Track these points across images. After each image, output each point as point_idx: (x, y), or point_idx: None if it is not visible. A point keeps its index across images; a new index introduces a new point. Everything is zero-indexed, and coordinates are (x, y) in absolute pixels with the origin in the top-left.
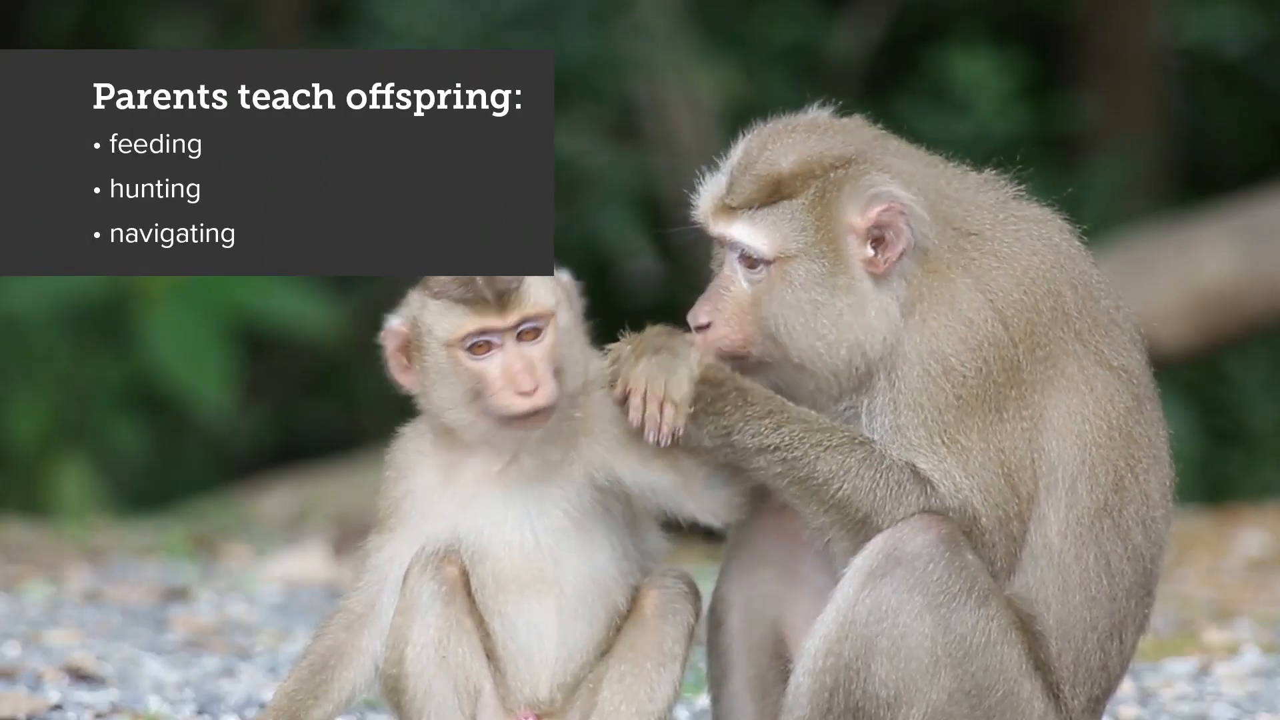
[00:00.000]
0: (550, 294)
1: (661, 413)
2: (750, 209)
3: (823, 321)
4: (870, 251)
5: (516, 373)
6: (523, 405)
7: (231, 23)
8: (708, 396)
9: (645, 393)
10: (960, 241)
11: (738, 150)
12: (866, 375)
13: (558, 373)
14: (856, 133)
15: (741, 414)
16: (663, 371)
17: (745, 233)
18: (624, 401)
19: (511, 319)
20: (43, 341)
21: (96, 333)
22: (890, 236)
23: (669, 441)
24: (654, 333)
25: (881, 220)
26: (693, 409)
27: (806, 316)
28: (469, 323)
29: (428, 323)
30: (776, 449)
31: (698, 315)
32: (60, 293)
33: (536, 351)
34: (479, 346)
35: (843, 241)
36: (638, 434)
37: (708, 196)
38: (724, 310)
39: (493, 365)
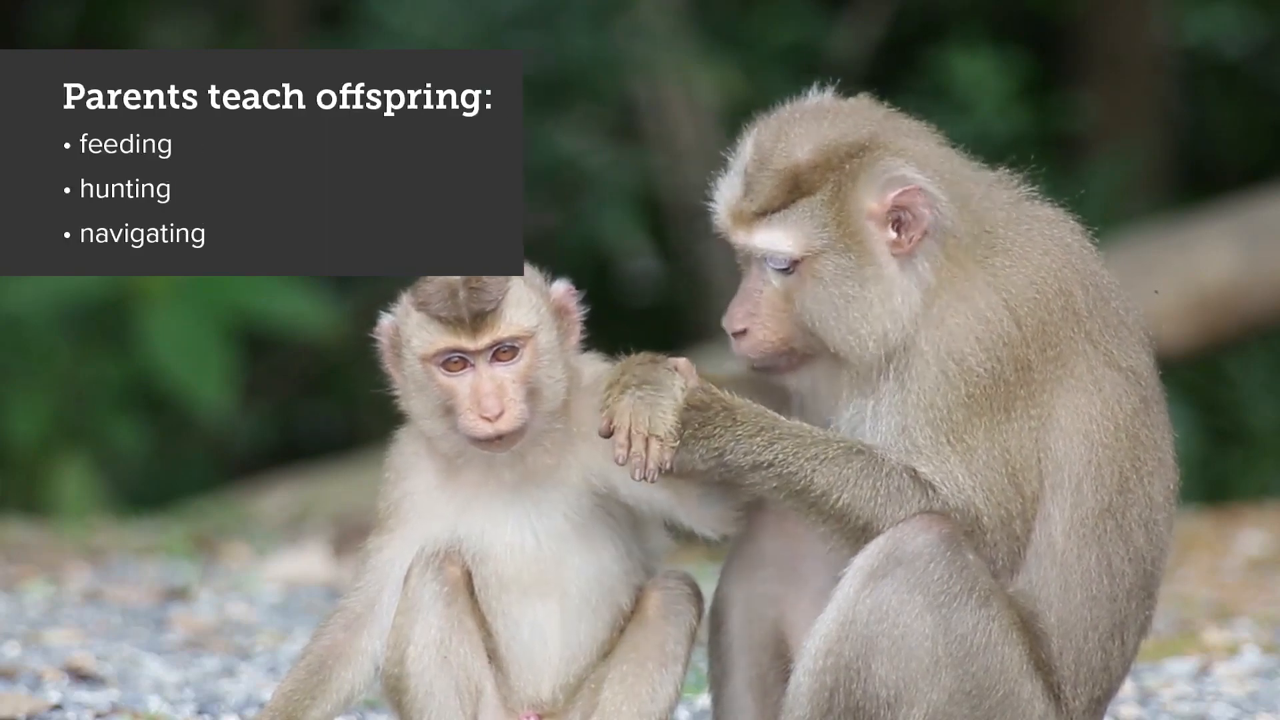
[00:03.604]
0: (530, 315)
1: (647, 449)
2: (769, 213)
3: (854, 315)
4: (893, 234)
5: (483, 395)
6: (485, 430)
7: (231, 23)
8: (696, 421)
9: (630, 429)
10: (976, 232)
11: (748, 146)
12: (886, 363)
13: (533, 393)
14: (866, 114)
15: (731, 434)
16: (646, 406)
17: (768, 240)
18: (610, 436)
19: (484, 341)
20: (43, 341)
21: (96, 333)
22: (909, 218)
23: (655, 478)
24: (637, 363)
25: (900, 203)
26: (683, 435)
27: (840, 310)
28: (441, 340)
29: (406, 333)
30: (770, 465)
31: (733, 322)
32: (60, 293)
33: (509, 374)
34: (453, 363)
35: (864, 230)
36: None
37: (725, 204)
38: (759, 314)
39: (463, 384)
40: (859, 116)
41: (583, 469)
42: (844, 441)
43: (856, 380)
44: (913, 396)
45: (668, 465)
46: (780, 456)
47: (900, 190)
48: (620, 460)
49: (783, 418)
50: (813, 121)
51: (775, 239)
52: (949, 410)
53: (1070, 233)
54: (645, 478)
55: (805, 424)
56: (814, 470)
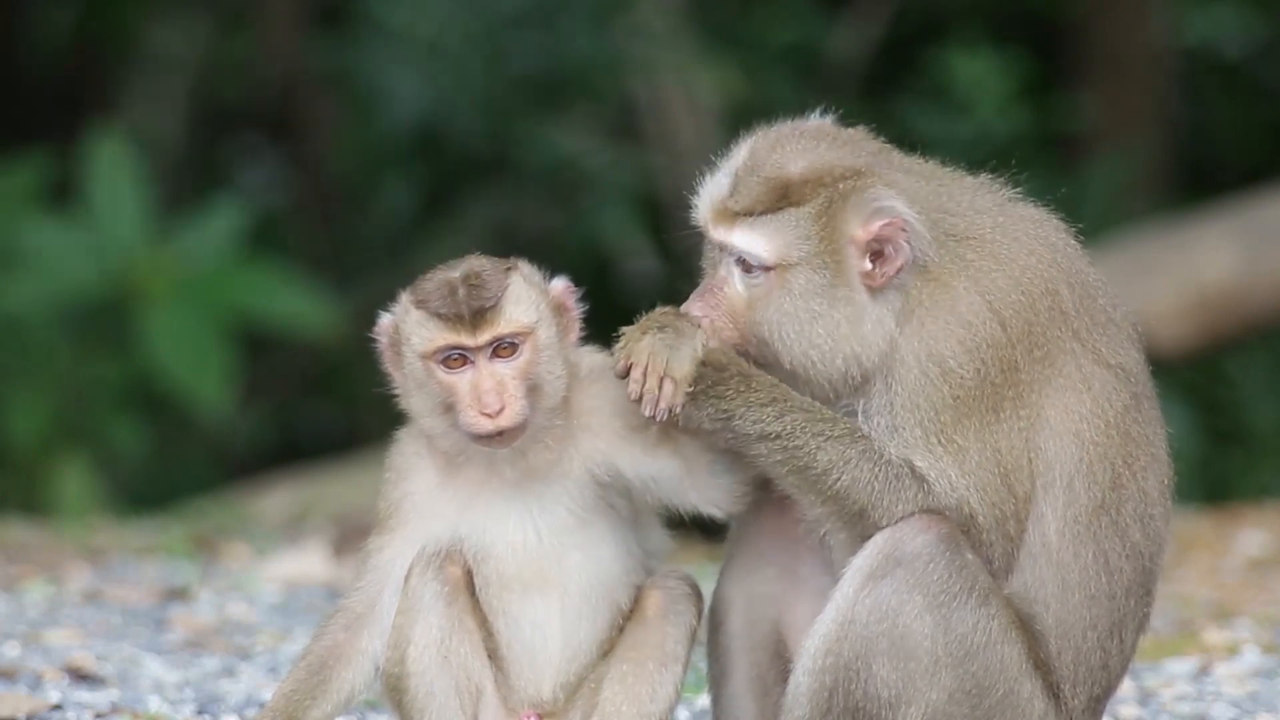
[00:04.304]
0: (530, 311)
1: (661, 388)
2: (753, 214)
3: (818, 331)
4: (868, 265)
5: (484, 392)
6: (486, 426)
7: (231, 23)
8: (710, 379)
9: (646, 367)
10: (959, 249)
11: (742, 151)
12: (861, 383)
13: (533, 390)
14: (863, 144)
15: (744, 399)
16: (666, 348)
17: (747, 239)
18: (626, 375)
19: (484, 338)
20: (43, 341)
21: (96, 333)
22: (889, 252)
23: (665, 418)
24: (662, 312)
25: (882, 235)
26: (694, 389)
27: (803, 325)
28: (440, 337)
29: (406, 330)
30: (777, 436)
31: (690, 311)
32: (60, 293)
33: (509, 370)
34: (453, 360)
35: (844, 253)
36: (637, 409)
37: (708, 199)
38: (716, 311)
39: (463, 381)
40: (857, 145)
41: (585, 460)
42: (851, 424)
43: (811, 397)
44: (899, 399)
45: (679, 408)
46: (788, 429)
47: (885, 222)
48: (634, 396)
49: (795, 393)
50: (811, 140)
51: (754, 240)
52: (935, 412)
53: (1055, 231)
54: (654, 415)
55: (816, 402)
56: (818, 447)
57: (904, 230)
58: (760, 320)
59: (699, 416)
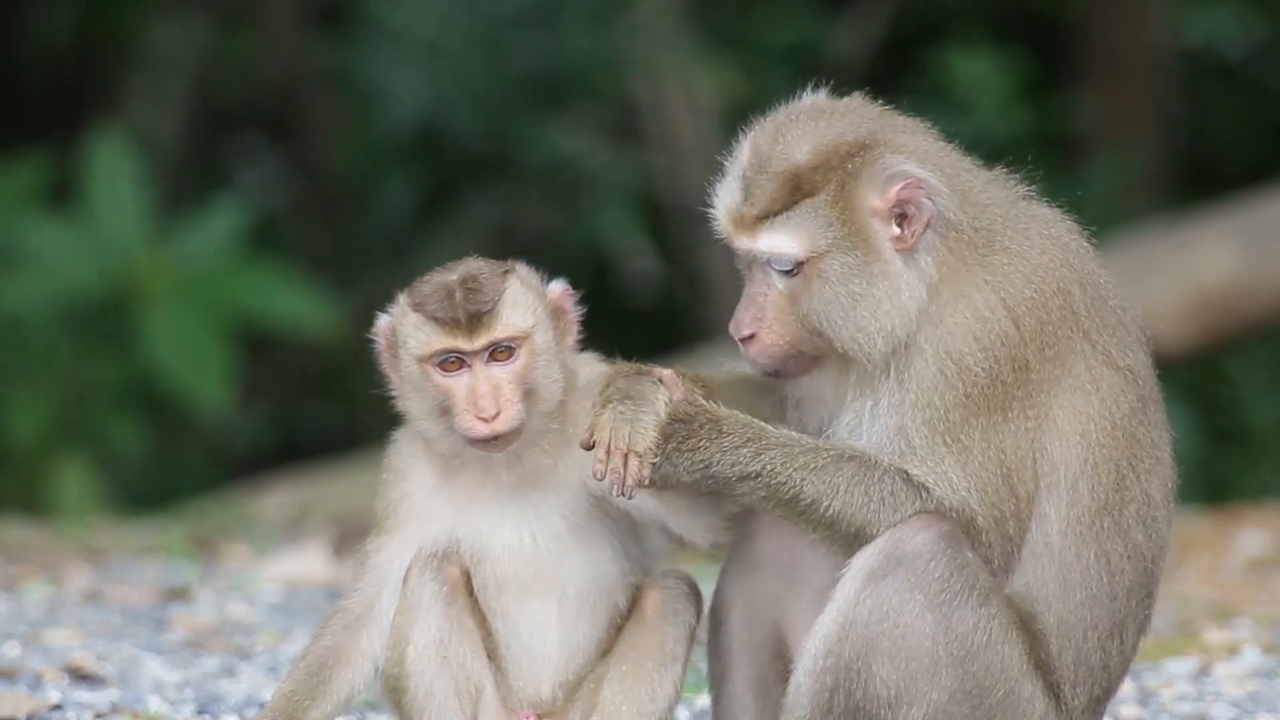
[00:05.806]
0: (526, 315)
1: (625, 465)
2: (771, 216)
3: (862, 313)
4: (896, 229)
5: (480, 396)
6: (482, 430)
7: (231, 22)
8: (680, 434)
9: (609, 444)
10: (976, 225)
11: (745, 149)
12: (896, 357)
13: (530, 394)
14: (863, 113)
15: (717, 446)
16: (626, 422)
17: (771, 243)
18: (591, 449)
19: (480, 342)
20: (43, 341)
21: (96, 333)
22: (913, 211)
23: (632, 494)
24: (622, 374)
25: (902, 197)
26: (666, 448)
27: (847, 309)
28: (437, 341)
29: (403, 333)
30: (758, 476)
31: (740, 327)
32: (60, 293)
33: (505, 374)
34: (449, 363)
35: (869, 228)
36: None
37: (725, 209)
38: (765, 318)
39: (460, 384)
40: (856, 115)
41: (580, 470)
42: (834, 449)
43: (861, 380)
44: (911, 395)
45: (646, 481)
46: (768, 467)
47: (903, 184)
48: (599, 476)
49: (770, 427)
50: (810, 122)
51: (779, 241)
52: (946, 410)
53: (1067, 232)
54: (623, 494)
55: (794, 433)
56: (803, 480)
57: (921, 188)
58: (807, 313)
59: (676, 472)
